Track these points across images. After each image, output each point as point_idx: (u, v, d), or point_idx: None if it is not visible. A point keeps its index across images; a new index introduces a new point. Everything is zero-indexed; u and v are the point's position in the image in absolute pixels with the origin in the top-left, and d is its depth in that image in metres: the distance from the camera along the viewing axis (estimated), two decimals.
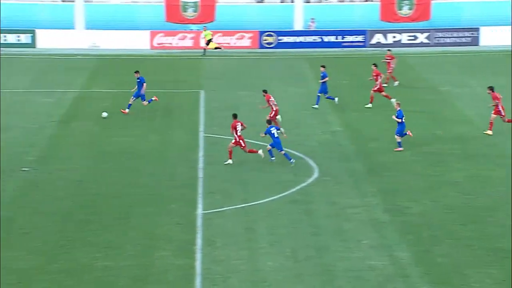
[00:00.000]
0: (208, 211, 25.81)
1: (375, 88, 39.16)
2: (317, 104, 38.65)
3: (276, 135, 30.09)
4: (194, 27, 56.95)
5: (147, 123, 36.42)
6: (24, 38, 54.21)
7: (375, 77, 39.36)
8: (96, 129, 35.42)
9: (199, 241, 23.41)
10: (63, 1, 57.22)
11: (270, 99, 34.21)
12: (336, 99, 38.86)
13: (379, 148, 32.47)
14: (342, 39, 56.56)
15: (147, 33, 55.41)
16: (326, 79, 38.71)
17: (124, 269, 21.60)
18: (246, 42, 56.16)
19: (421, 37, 57.04)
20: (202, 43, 53.70)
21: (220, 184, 28.36)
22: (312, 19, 57.88)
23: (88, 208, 25.98)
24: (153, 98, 37.17)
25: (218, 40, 55.28)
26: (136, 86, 36.82)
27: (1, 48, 53.25)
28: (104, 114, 30.73)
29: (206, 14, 57.04)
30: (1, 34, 53.91)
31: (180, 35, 56.06)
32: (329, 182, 28.61)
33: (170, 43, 55.84)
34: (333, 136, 34.67)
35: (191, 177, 29.06)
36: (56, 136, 34.41)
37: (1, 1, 55.46)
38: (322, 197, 27.13)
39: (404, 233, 23.92)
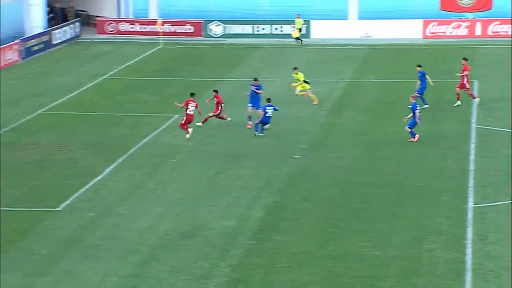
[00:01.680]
0: (479, 205, 24.95)
1: (459, 85, 36.04)
2: (426, 104, 35.75)
3: (269, 114, 32.20)
4: (469, 15, 55.31)
5: None
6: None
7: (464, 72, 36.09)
8: (365, 118, 35.56)
9: (469, 235, 22.72)
10: None
11: (214, 99, 33.06)
12: (426, 106, 35.67)
13: None
14: None
15: (420, 22, 54.67)
16: (428, 78, 35.90)
17: (392, 260, 21.46)
18: None
19: None
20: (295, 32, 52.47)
21: (493, 177, 27.32)
22: None
23: (356, 197, 26.14)
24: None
25: (495, 28, 53.37)
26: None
27: (278, 39, 55.20)
28: (190, 131, 31.70)
29: (484, 1, 55.13)
30: (277, 25, 55.81)
31: (455, 23, 54.69)
32: None
33: (444, 32, 54.67)
34: None
35: (462, 169, 28.28)
36: (327, 125, 34.98)
37: None
38: None
39: None
